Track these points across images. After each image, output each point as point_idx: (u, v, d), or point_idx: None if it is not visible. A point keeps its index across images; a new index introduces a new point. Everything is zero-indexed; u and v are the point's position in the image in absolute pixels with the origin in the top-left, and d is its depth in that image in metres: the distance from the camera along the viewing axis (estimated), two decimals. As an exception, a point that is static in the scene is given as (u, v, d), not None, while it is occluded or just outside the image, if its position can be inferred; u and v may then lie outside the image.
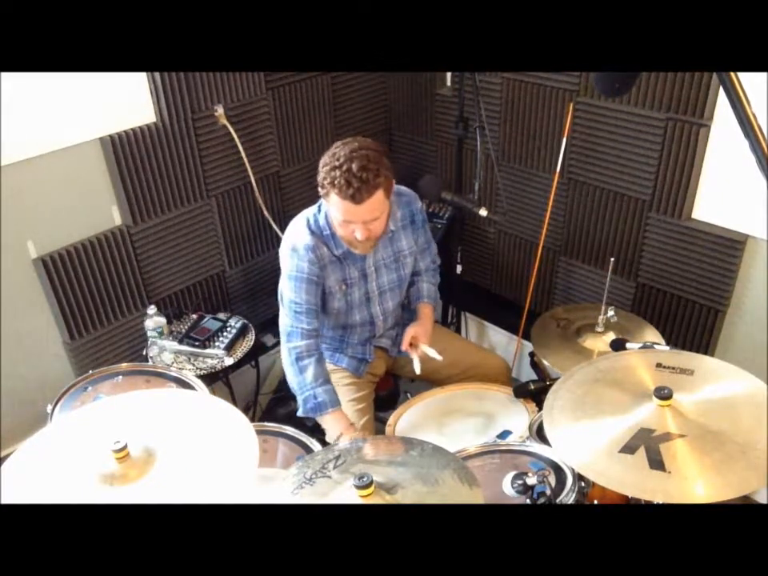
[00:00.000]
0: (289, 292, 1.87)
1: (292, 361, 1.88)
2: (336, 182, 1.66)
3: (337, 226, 1.79)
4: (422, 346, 1.98)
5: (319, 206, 1.87)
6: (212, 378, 2.19)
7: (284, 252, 1.88)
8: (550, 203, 2.41)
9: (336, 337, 2.08)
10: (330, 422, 1.87)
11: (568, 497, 1.37)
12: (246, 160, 2.37)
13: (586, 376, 1.41)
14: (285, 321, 1.91)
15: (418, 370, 1.95)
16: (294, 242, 1.84)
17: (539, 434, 1.62)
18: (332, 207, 1.74)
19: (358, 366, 2.09)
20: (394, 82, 2.78)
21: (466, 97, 2.33)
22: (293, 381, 1.90)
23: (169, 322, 2.27)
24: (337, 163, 1.67)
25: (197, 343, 2.19)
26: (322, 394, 1.85)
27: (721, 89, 1.07)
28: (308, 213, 1.89)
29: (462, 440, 1.65)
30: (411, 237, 2.01)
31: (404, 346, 2.00)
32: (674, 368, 1.38)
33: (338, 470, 1.29)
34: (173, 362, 2.14)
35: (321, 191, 1.74)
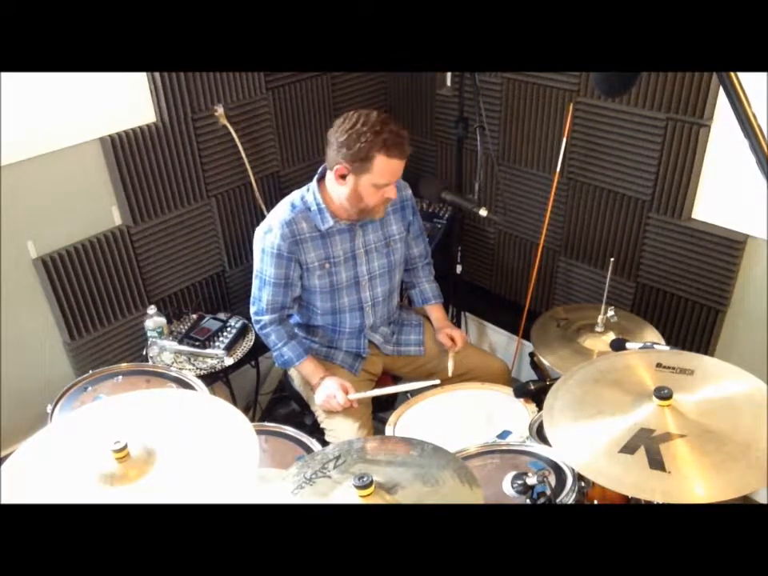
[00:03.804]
0: (258, 262, 1.97)
1: (257, 328, 2.06)
2: (387, 142, 1.73)
3: (368, 196, 1.82)
4: (450, 355, 2.10)
5: (308, 187, 1.95)
6: (212, 378, 2.19)
7: (259, 231, 1.95)
8: (550, 203, 2.41)
9: (328, 326, 2.09)
10: (303, 373, 2.05)
11: (568, 497, 1.37)
12: (245, 160, 2.37)
13: (586, 376, 1.41)
14: (253, 289, 2.03)
15: (450, 372, 2.07)
16: (271, 221, 1.92)
17: (539, 434, 1.62)
18: (373, 174, 1.78)
19: (353, 363, 2.10)
20: (393, 81, 2.78)
21: (466, 97, 2.33)
22: (263, 341, 2.09)
23: (169, 322, 2.27)
24: (378, 128, 1.73)
25: (197, 343, 2.19)
26: (287, 352, 2.02)
27: (721, 89, 1.07)
28: (294, 194, 1.96)
29: (462, 440, 1.65)
30: (401, 222, 2.06)
31: (447, 343, 2.12)
32: (673, 368, 1.38)
33: (338, 470, 1.29)
34: (173, 362, 2.14)
35: (353, 165, 1.77)
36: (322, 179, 1.93)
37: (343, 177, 1.81)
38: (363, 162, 1.76)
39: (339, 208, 1.91)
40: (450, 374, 2.06)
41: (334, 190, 1.87)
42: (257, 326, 2.04)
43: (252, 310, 2.04)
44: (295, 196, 1.95)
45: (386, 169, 1.77)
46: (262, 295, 1.98)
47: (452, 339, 2.12)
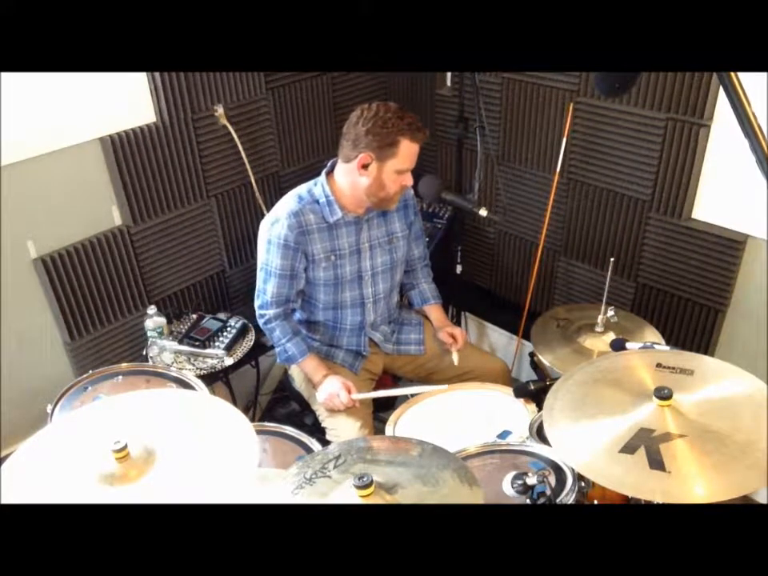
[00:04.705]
0: (263, 254, 1.96)
1: (261, 323, 2.04)
2: (412, 126, 1.80)
3: (390, 183, 1.86)
4: (453, 350, 2.11)
5: (315, 181, 1.96)
6: (212, 378, 2.19)
7: (265, 222, 1.95)
8: (550, 203, 2.41)
9: (329, 322, 2.09)
10: (306, 370, 2.04)
11: (568, 497, 1.37)
12: (245, 160, 2.37)
13: (586, 376, 1.41)
14: (257, 282, 2.02)
15: (456, 362, 2.09)
16: (277, 212, 1.92)
17: (539, 434, 1.62)
18: (398, 159, 1.83)
19: (353, 361, 2.10)
20: (394, 82, 2.78)
21: (466, 97, 2.33)
22: (267, 336, 2.08)
23: (169, 322, 2.27)
24: (400, 114, 1.80)
25: (197, 343, 2.19)
26: (291, 347, 2.01)
27: (721, 89, 1.07)
28: (300, 187, 1.97)
29: (462, 440, 1.65)
30: (404, 221, 2.09)
31: (449, 341, 2.13)
32: (673, 368, 1.37)
33: (337, 470, 1.29)
34: (173, 362, 2.14)
35: (378, 152, 1.81)
36: (330, 173, 1.94)
37: (365, 167, 1.83)
38: (390, 146, 1.80)
39: (351, 199, 1.92)
40: (455, 363, 2.08)
41: (351, 181, 1.88)
42: (261, 321, 2.03)
43: (256, 303, 2.03)
44: (302, 189, 1.96)
45: (409, 153, 1.83)
46: (266, 287, 1.98)
47: (453, 337, 2.12)
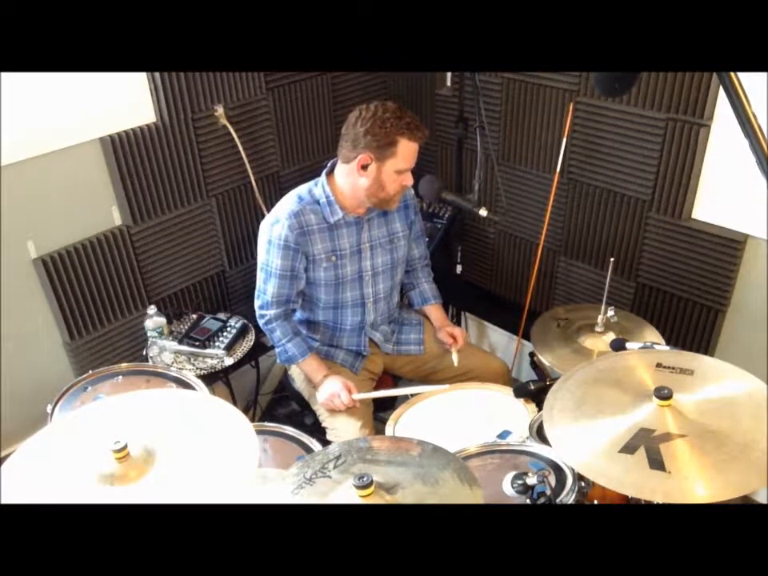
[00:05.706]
0: (263, 254, 1.96)
1: (261, 323, 2.04)
2: (410, 126, 1.80)
3: (390, 183, 1.86)
4: (453, 350, 2.10)
5: (316, 181, 1.96)
6: (212, 378, 2.19)
7: (265, 223, 1.95)
8: (550, 203, 2.41)
9: (329, 322, 2.09)
10: (306, 371, 2.04)
11: (568, 497, 1.37)
12: (246, 160, 2.37)
13: (586, 376, 1.41)
14: (257, 282, 2.02)
15: (456, 363, 2.08)
16: (278, 212, 1.92)
17: (539, 434, 1.62)
18: (397, 158, 1.83)
19: (353, 361, 2.10)
20: (393, 81, 2.78)
21: (466, 97, 2.33)
22: (267, 336, 2.08)
23: (169, 322, 2.27)
24: (399, 114, 1.81)
25: (197, 343, 2.19)
26: (291, 348, 2.01)
27: (721, 89, 1.07)
28: (301, 187, 1.97)
29: (462, 440, 1.65)
30: (405, 221, 2.09)
31: (449, 340, 2.12)
32: (673, 368, 1.37)
33: (338, 470, 1.29)
34: (173, 362, 2.14)
35: (377, 152, 1.81)
36: (330, 174, 1.95)
37: (365, 167, 1.83)
38: (389, 146, 1.80)
39: (351, 200, 1.92)
40: (455, 364, 2.08)
41: (351, 182, 1.88)
42: (261, 321, 2.03)
43: (257, 303, 2.03)
44: (302, 189, 1.96)
45: (409, 152, 1.83)
46: (267, 288, 1.97)
47: (453, 337, 2.12)
